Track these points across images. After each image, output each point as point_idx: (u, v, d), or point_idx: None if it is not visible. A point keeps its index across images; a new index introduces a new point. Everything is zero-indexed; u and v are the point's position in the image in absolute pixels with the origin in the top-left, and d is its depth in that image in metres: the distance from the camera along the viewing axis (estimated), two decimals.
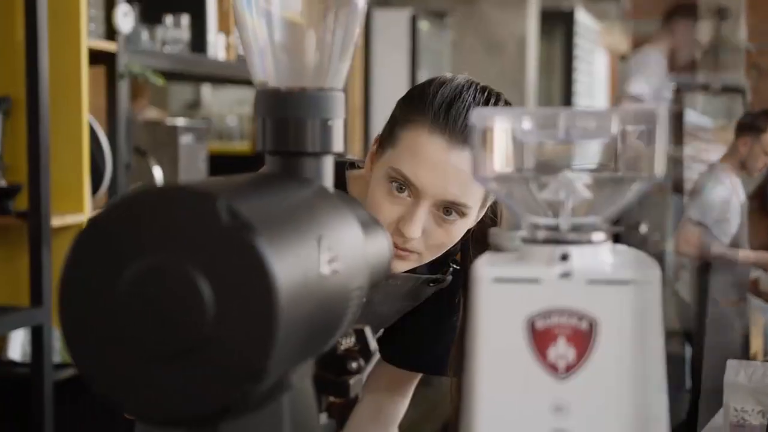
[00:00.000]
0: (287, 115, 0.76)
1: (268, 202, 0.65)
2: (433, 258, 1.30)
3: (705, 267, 3.79)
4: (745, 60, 8.96)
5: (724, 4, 9.03)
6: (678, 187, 4.19)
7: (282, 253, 0.60)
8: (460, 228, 1.27)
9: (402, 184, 1.23)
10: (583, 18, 7.57)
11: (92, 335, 0.60)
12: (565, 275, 0.66)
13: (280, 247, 0.61)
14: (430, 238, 1.25)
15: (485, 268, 0.67)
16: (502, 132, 0.68)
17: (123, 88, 2.57)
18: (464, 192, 1.22)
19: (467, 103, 1.24)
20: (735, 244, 3.85)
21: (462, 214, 1.24)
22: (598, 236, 0.68)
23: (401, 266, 1.28)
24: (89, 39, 2.47)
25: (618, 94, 4.28)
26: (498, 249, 0.74)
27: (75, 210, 2.42)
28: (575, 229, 0.68)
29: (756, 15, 8.97)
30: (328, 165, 0.78)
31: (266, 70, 0.78)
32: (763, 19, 9.51)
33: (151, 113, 4.14)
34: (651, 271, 0.66)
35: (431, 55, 4.93)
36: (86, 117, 2.41)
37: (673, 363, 4.80)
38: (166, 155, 2.82)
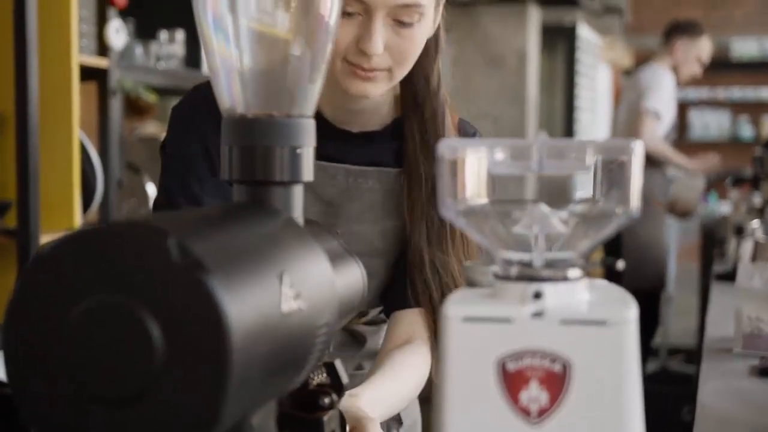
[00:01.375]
0: (255, 143, 0.73)
1: (226, 238, 0.62)
2: (405, 73, 1.25)
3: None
4: None
5: None
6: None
7: (237, 292, 0.57)
8: (420, 33, 1.22)
9: (348, 3, 1.18)
10: (585, 33, 7.55)
11: (35, 372, 0.57)
12: (538, 314, 0.63)
13: (236, 285, 0.58)
14: (394, 50, 1.21)
15: (454, 306, 0.64)
16: (473, 164, 0.65)
17: (115, 104, 2.54)
18: None
19: None
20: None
21: (419, 16, 1.20)
22: (574, 273, 0.65)
23: (373, 89, 1.23)
24: (81, 55, 2.44)
25: (633, 109, 4.30)
26: (472, 284, 0.71)
27: (65, 227, 2.40)
28: (550, 264, 0.65)
29: None
30: (298, 194, 0.75)
31: (233, 96, 0.75)
32: None
33: (151, 128, 4.11)
34: (628, 311, 0.63)
35: None
36: (77, 133, 2.39)
37: None
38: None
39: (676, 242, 5.98)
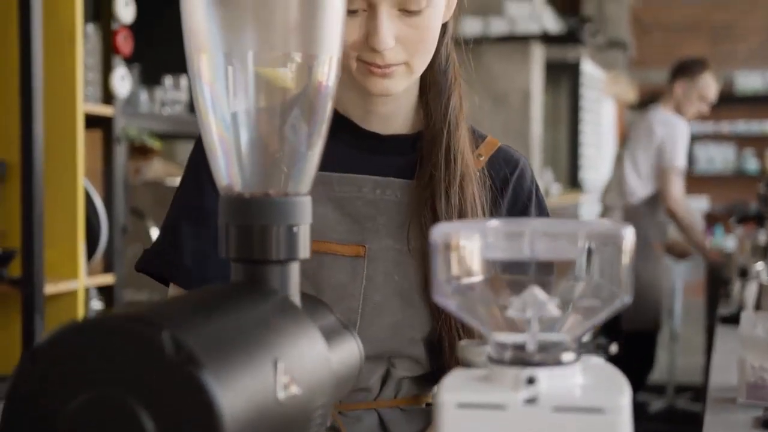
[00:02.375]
0: (251, 222, 0.74)
1: (220, 326, 0.63)
2: (425, 63, 1.17)
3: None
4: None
5: None
6: None
7: (231, 385, 0.58)
8: (432, 19, 1.15)
9: (350, 1, 1.11)
10: (589, 68, 7.59)
11: None
12: (531, 401, 0.63)
13: (230, 377, 0.58)
14: (406, 41, 1.14)
15: (449, 392, 0.64)
16: (466, 247, 0.66)
17: (119, 151, 2.56)
18: None
19: None
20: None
21: (427, 1, 1.13)
22: (568, 356, 0.66)
23: (393, 85, 1.16)
24: (86, 103, 2.46)
25: (659, 165, 4.32)
26: (466, 363, 0.71)
27: (70, 276, 2.40)
28: (543, 348, 0.66)
29: None
30: (294, 272, 0.75)
31: (230, 175, 0.76)
32: None
33: (156, 167, 4.13)
34: (621, 397, 0.63)
35: None
36: (81, 181, 2.40)
37: None
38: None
39: (682, 278, 5.97)
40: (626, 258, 0.64)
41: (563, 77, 7.37)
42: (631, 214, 4.30)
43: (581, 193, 6.97)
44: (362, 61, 1.15)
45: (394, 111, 1.25)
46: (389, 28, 1.12)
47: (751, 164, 10.00)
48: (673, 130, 4.35)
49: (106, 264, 2.58)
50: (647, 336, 4.44)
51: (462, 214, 1.18)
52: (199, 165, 1.24)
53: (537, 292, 0.66)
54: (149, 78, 2.86)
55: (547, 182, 6.18)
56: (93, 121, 2.53)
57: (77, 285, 2.41)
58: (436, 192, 1.20)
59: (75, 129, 2.38)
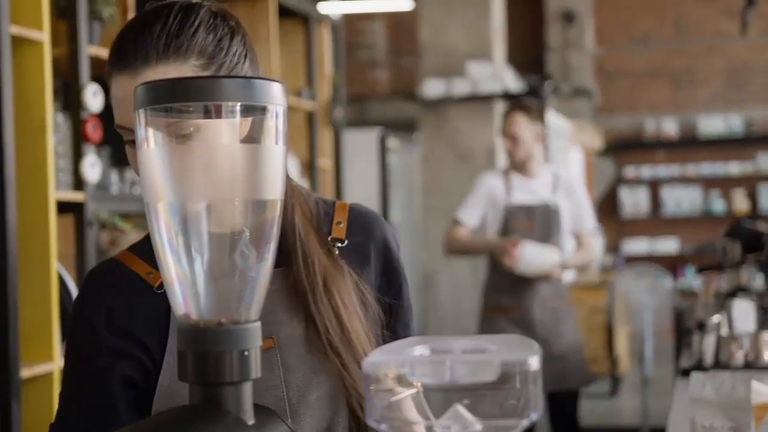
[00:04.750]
0: (207, 349, 0.83)
1: None
2: None
3: None
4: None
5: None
6: None
7: None
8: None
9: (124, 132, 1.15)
10: (553, 120, 7.74)
11: None
12: None
13: None
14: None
15: None
16: (394, 376, 0.75)
17: (91, 235, 2.64)
18: None
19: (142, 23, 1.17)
20: None
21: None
22: None
23: None
24: (58, 190, 2.55)
25: None
26: None
27: (44, 359, 2.47)
28: None
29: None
30: (247, 391, 0.84)
31: (186, 305, 0.85)
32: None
33: (133, 238, 4.18)
34: None
35: (401, 169, 5.05)
36: (54, 266, 2.47)
37: None
38: None
39: (652, 319, 6.07)
40: (535, 377, 0.73)
41: None
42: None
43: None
44: None
45: None
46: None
47: (718, 205, 10.19)
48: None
49: None
50: (573, 395, 4.27)
51: (338, 316, 1.24)
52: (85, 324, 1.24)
53: (460, 409, 0.75)
54: (119, 160, 2.95)
55: None
56: (65, 207, 2.61)
57: (53, 367, 2.48)
58: (307, 296, 1.25)
59: (47, 215, 2.45)
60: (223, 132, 0.84)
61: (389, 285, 1.33)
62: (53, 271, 2.46)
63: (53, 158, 2.50)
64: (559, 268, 4.01)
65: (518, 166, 4.00)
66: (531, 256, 3.85)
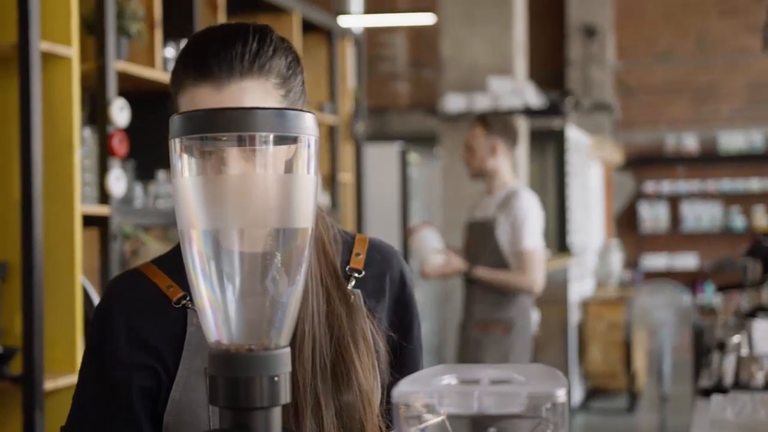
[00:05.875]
0: (237, 375, 0.84)
1: None
2: None
3: None
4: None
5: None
6: None
7: None
8: None
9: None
10: (574, 134, 7.74)
11: None
12: None
13: None
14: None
15: None
16: (422, 405, 0.76)
17: (115, 249, 2.67)
18: None
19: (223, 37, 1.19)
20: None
21: None
22: None
23: None
24: (84, 204, 2.58)
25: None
26: None
27: (68, 371, 2.49)
28: None
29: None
30: (277, 415, 0.86)
31: (219, 331, 0.86)
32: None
33: (155, 249, 4.21)
34: None
35: (422, 183, 5.07)
36: (79, 279, 2.50)
37: None
38: None
39: (670, 341, 6.06)
40: (563, 409, 0.74)
41: (548, 144, 7.51)
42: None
43: (570, 257, 7.07)
44: None
45: None
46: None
47: (738, 222, 10.14)
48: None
49: None
50: None
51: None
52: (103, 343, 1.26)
53: None
54: (144, 173, 2.98)
55: None
56: (90, 221, 2.64)
57: (76, 379, 2.50)
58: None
59: (73, 229, 2.49)
60: (257, 162, 0.86)
61: (401, 321, 1.34)
62: (78, 284, 2.49)
63: (80, 172, 2.53)
64: (455, 271, 3.90)
65: (474, 177, 4.03)
66: (420, 241, 3.86)
